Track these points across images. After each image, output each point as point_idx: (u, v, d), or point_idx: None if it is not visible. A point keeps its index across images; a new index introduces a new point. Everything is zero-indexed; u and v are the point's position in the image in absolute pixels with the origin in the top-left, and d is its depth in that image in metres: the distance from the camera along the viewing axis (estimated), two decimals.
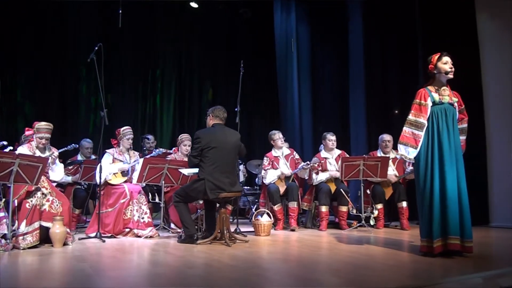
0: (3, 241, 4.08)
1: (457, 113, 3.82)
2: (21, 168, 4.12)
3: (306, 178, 6.31)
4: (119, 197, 5.30)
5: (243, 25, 9.96)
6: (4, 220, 4.27)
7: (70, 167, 6.13)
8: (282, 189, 6.10)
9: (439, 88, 3.77)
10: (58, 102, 8.83)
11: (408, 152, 3.77)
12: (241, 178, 7.19)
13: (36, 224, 4.32)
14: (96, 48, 5.00)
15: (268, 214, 5.46)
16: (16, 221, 4.27)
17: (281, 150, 6.35)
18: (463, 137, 3.91)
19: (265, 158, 6.34)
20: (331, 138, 6.27)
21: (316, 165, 6.18)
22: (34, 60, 8.51)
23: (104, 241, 4.73)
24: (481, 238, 4.63)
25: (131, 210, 5.27)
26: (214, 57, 10.14)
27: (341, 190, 5.91)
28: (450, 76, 3.74)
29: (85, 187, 6.10)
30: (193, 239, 4.59)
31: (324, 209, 5.96)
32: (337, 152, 6.37)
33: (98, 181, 5.35)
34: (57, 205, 4.52)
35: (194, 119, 10.02)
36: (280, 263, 3.53)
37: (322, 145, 6.46)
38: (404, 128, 3.79)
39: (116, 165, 5.46)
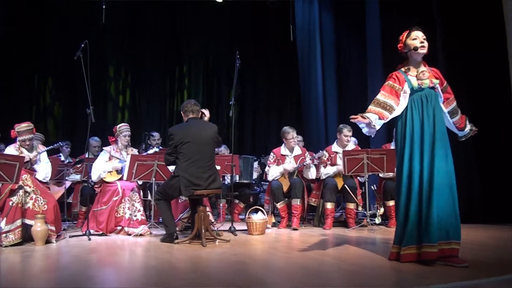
0: None
1: (441, 94, 3.34)
2: None
3: (311, 178, 5.96)
4: (112, 195, 5.30)
5: (268, 16, 9.68)
6: None
7: (78, 165, 6.24)
8: (285, 186, 5.81)
9: (416, 70, 3.31)
10: (85, 102, 9.07)
11: (375, 118, 3.29)
12: (255, 175, 6.98)
13: (18, 222, 4.39)
14: (82, 45, 4.97)
15: (262, 211, 5.21)
16: None
17: (292, 150, 6.02)
18: (456, 118, 3.42)
19: (271, 153, 6.07)
20: (347, 134, 5.79)
21: (324, 158, 5.83)
22: (61, 61, 8.81)
23: (89, 239, 4.73)
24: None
25: (123, 207, 5.24)
26: (241, 50, 9.94)
27: (345, 186, 5.53)
28: (421, 51, 3.26)
29: (92, 184, 6.17)
30: (172, 238, 4.47)
31: (329, 206, 5.61)
32: (351, 146, 5.95)
33: (94, 178, 5.45)
34: (41, 203, 4.58)
35: (223, 114, 9.95)
36: (225, 265, 3.28)
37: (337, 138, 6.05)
38: (370, 106, 3.32)
39: (111, 164, 5.46)
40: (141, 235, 5.06)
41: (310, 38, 8.41)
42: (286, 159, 5.94)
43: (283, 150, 6.00)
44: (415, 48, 3.24)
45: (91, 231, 5.10)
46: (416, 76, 3.29)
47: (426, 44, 3.28)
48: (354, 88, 8.15)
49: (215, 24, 9.82)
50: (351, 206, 5.59)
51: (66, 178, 6.35)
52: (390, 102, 3.30)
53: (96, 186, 5.55)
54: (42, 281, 2.83)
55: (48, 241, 4.50)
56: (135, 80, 9.57)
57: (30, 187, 4.54)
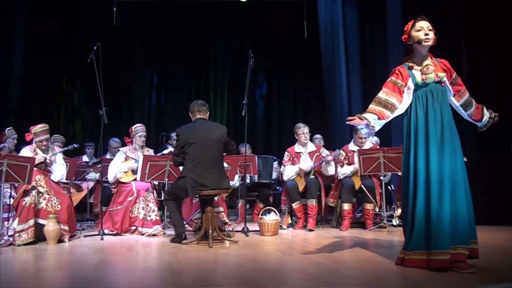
0: None
1: (450, 88, 3.12)
2: (11, 168, 4.30)
3: (330, 174, 5.81)
4: (127, 195, 5.34)
5: (292, 14, 9.52)
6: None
7: (98, 165, 6.33)
8: (301, 186, 5.68)
9: (421, 64, 3.09)
10: (112, 104, 9.23)
11: (375, 120, 3.13)
12: (274, 175, 6.88)
13: (31, 222, 4.49)
14: (95, 48, 5.03)
15: (275, 212, 5.12)
16: (13, 219, 4.47)
17: (306, 146, 5.90)
18: (470, 110, 3.20)
19: (286, 153, 5.96)
20: (361, 136, 5.59)
21: (341, 158, 5.67)
22: (88, 63, 8.97)
23: (102, 239, 4.78)
24: None
25: (137, 208, 5.28)
26: (267, 49, 9.89)
27: (362, 185, 5.35)
28: (426, 44, 3.03)
29: (110, 185, 6.26)
30: (181, 238, 4.45)
31: (346, 206, 5.45)
32: (369, 145, 5.77)
33: (110, 179, 5.52)
34: (55, 203, 4.66)
35: (249, 114, 9.85)
36: (221, 267, 3.21)
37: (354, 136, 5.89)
38: (371, 105, 3.14)
39: (126, 164, 5.50)
40: (154, 235, 5.07)
41: (333, 35, 8.22)
42: (301, 156, 5.82)
43: (296, 147, 5.89)
44: (419, 41, 3.03)
45: (107, 231, 5.18)
46: (421, 71, 3.10)
47: (431, 35, 3.05)
48: (379, 86, 7.88)
49: (239, 23, 9.77)
50: (369, 206, 5.40)
51: (86, 177, 6.45)
52: (392, 100, 3.12)
53: (112, 186, 5.61)
54: (36, 280, 2.85)
55: (61, 241, 4.58)
56: (161, 81, 9.66)
57: (43, 187, 4.63)
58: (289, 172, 5.76)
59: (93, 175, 6.43)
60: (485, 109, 3.26)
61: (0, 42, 6.86)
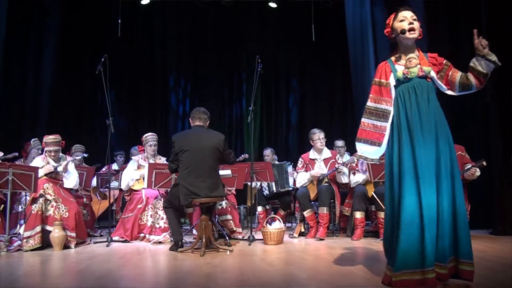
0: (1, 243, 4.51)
1: (440, 83, 2.79)
2: (16, 176, 4.51)
3: (344, 182, 5.57)
4: (137, 202, 5.43)
5: (323, 16, 9.32)
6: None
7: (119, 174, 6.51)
8: (313, 193, 5.50)
9: (405, 57, 2.81)
10: (147, 113, 9.50)
11: (368, 152, 2.94)
12: (291, 180, 6.73)
13: (38, 228, 4.67)
14: (103, 59, 5.17)
15: (279, 220, 4.99)
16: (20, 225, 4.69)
17: (321, 152, 5.71)
18: (471, 82, 2.74)
19: (300, 159, 5.80)
20: None
21: (354, 165, 5.45)
22: (124, 75, 9.32)
23: (108, 246, 4.89)
24: None
25: (146, 215, 5.35)
26: (299, 54, 9.75)
27: (374, 193, 5.09)
28: (410, 36, 2.73)
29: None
30: (177, 246, 4.45)
31: (358, 215, 5.21)
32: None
33: (123, 187, 5.64)
34: (62, 210, 4.83)
35: (282, 119, 9.78)
36: (191, 276, 3.15)
37: None
38: (362, 119, 2.91)
39: (138, 172, 5.60)
40: (160, 242, 5.11)
41: (362, 37, 7.93)
42: (316, 163, 5.64)
43: (311, 154, 5.71)
44: (403, 31, 2.73)
45: (117, 238, 5.30)
46: (405, 65, 2.81)
47: (416, 25, 2.75)
48: None
49: (270, 28, 9.71)
50: (381, 215, 5.11)
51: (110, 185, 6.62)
52: (382, 106, 2.84)
53: (126, 194, 5.73)
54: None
55: (67, 247, 4.73)
56: (195, 89, 9.79)
57: (51, 195, 4.81)
58: (301, 179, 5.61)
59: (115, 184, 6.60)
60: (479, 66, 2.73)
61: (31, 53, 7.22)
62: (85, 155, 5.52)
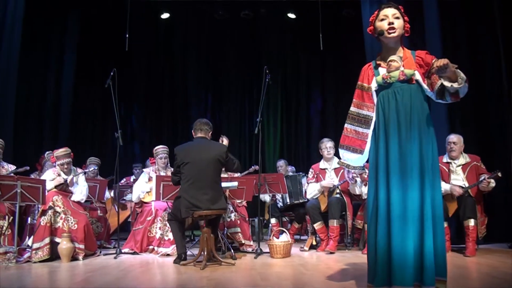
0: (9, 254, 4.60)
1: (426, 87, 2.60)
2: (25, 189, 4.61)
3: (357, 193, 5.42)
4: (147, 215, 5.45)
5: (342, 24, 9.19)
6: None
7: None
8: (323, 205, 5.37)
9: (387, 59, 2.66)
10: (169, 125, 9.61)
11: (351, 160, 2.86)
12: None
13: (47, 240, 4.74)
14: (112, 73, 5.24)
15: (286, 233, 4.89)
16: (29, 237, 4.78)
17: (331, 162, 5.59)
18: (456, 85, 2.48)
19: (310, 169, 5.69)
20: None
21: (365, 176, 5.28)
22: (145, 88, 9.47)
23: (115, 258, 4.91)
24: None
25: (155, 227, 5.36)
26: (320, 64, 9.65)
27: None
28: (389, 36, 2.57)
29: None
30: (180, 259, 4.42)
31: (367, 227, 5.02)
32: None
33: (134, 199, 5.68)
34: (71, 222, 4.89)
35: (302, 129, 9.67)
36: None
37: None
38: (345, 125, 2.85)
39: (149, 185, 5.63)
40: (168, 255, 5.10)
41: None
42: (326, 173, 5.51)
43: (322, 164, 5.59)
44: (380, 33, 2.60)
45: (127, 250, 5.33)
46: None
47: (397, 24, 2.58)
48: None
49: (290, 39, 9.68)
50: None
51: (124, 198, 6.71)
52: (364, 112, 2.78)
53: (137, 206, 5.77)
54: None
55: (75, 258, 4.78)
56: (215, 101, 9.85)
57: (60, 207, 4.89)
58: (311, 190, 5.50)
59: (131, 196, 6.66)
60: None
61: (50, 69, 7.42)
62: (95, 167, 5.59)
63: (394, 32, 2.60)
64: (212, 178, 4.34)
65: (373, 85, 2.72)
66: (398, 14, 2.63)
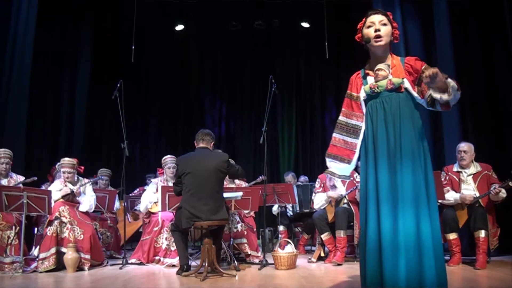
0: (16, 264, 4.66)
1: (416, 95, 2.52)
2: (31, 199, 4.67)
3: None
4: (154, 225, 5.45)
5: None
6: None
7: None
8: (331, 215, 5.27)
9: (375, 69, 2.60)
10: (184, 135, 9.64)
11: (339, 169, 2.80)
12: None
13: (53, 250, 4.78)
14: (118, 85, 5.29)
15: (291, 244, 4.81)
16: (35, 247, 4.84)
17: None
18: (446, 97, 2.40)
19: (317, 179, 5.60)
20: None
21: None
22: (161, 98, 9.57)
23: (120, 268, 4.92)
24: None
25: (161, 238, 5.34)
26: (334, 72, 9.55)
27: None
28: (376, 44, 2.51)
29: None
30: (182, 270, 4.39)
31: None
32: None
33: (141, 209, 5.69)
34: (77, 233, 4.93)
35: (317, 140, 9.57)
36: None
37: None
38: (334, 134, 2.79)
39: (156, 195, 5.63)
40: (174, 265, 5.07)
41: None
42: (334, 183, 5.41)
43: None
44: (367, 40, 2.54)
45: (134, 260, 5.34)
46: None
47: (384, 31, 2.51)
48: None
49: (304, 48, 9.64)
50: None
51: (136, 208, 6.74)
52: (352, 122, 2.71)
53: (145, 217, 5.78)
54: None
55: (81, 269, 4.81)
56: (230, 110, 9.86)
57: (66, 217, 4.92)
58: (318, 200, 5.40)
59: (138, 206, 6.69)
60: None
61: (65, 80, 7.55)
62: (102, 178, 5.63)
63: (381, 41, 2.54)
64: (213, 188, 4.31)
65: (362, 95, 2.67)
66: (385, 21, 2.57)
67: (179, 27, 9.22)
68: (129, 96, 9.03)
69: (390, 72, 2.57)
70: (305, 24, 9.22)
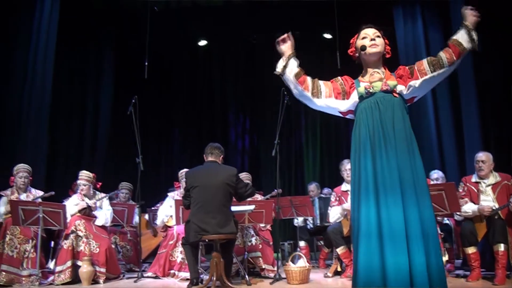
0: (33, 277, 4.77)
1: (409, 95, 2.61)
2: (46, 214, 4.79)
3: None
4: (169, 239, 5.47)
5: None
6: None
7: None
8: (346, 228, 5.15)
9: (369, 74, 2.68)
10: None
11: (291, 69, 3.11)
12: None
13: (69, 263, 4.87)
14: (133, 101, 5.38)
15: (304, 258, 4.72)
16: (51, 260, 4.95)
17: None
18: (444, 61, 2.54)
19: (332, 193, 5.50)
20: None
21: None
22: (185, 112, 9.69)
23: (135, 282, 4.96)
24: None
25: (176, 251, 5.36)
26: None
27: None
28: (372, 50, 2.59)
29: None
30: (192, 284, 4.37)
31: None
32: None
33: (158, 223, 5.73)
34: (93, 246, 5.01)
35: (342, 150, 9.42)
36: None
37: None
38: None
39: (172, 209, 5.66)
40: (188, 279, 5.05)
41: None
42: (348, 195, 5.27)
43: (343, 186, 5.38)
44: (363, 48, 2.61)
45: (150, 274, 5.37)
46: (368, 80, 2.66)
47: (379, 41, 2.62)
48: (475, 113, 6.79)
49: (327, 59, 9.55)
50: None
51: (156, 222, 6.78)
52: (323, 88, 2.75)
53: (162, 230, 5.81)
54: None
55: (96, 282, 4.88)
56: (253, 124, 9.87)
57: (82, 231, 5.02)
58: (334, 214, 5.29)
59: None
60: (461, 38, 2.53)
61: (88, 94, 7.76)
62: (122, 192, 5.71)
63: (376, 47, 2.61)
64: (221, 202, 4.29)
65: (354, 95, 2.67)
66: (378, 34, 2.66)
67: (202, 43, 9.38)
68: (152, 110, 9.28)
69: (384, 77, 2.64)
70: (328, 35, 9.17)
